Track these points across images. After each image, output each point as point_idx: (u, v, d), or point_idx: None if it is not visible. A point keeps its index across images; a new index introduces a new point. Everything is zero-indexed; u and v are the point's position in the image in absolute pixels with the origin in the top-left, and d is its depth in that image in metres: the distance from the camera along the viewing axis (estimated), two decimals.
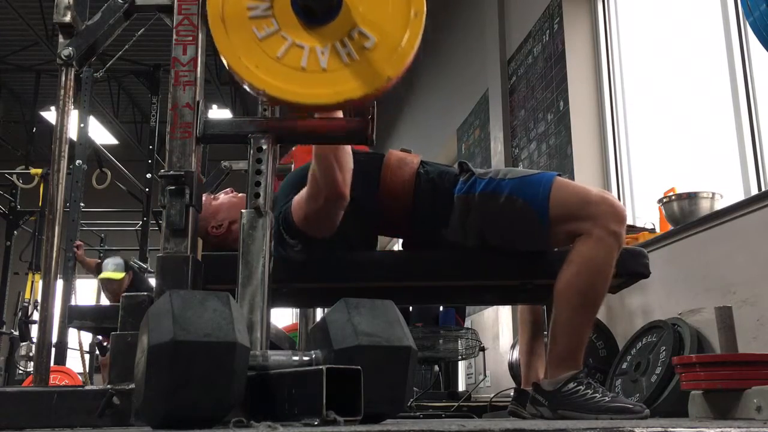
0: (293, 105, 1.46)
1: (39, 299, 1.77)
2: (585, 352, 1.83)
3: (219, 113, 10.85)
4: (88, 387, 1.43)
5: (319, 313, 3.26)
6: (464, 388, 5.40)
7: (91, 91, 5.38)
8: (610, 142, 4.37)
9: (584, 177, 4.26)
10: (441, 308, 3.95)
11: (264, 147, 1.51)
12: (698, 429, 1.13)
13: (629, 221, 3.69)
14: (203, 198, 2.05)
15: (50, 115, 10.28)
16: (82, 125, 5.21)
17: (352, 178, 1.84)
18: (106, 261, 5.73)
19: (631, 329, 3.27)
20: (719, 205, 3.04)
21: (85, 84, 5.28)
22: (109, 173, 6.54)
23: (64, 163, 1.71)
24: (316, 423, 1.11)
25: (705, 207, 3.06)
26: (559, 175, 1.90)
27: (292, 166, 2.60)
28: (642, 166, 4.16)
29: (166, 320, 1.14)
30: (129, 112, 11.79)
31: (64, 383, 4.34)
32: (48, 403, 1.35)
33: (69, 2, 1.69)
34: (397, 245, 5.56)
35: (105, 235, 8.68)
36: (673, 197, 3.15)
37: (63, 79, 1.72)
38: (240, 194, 2.18)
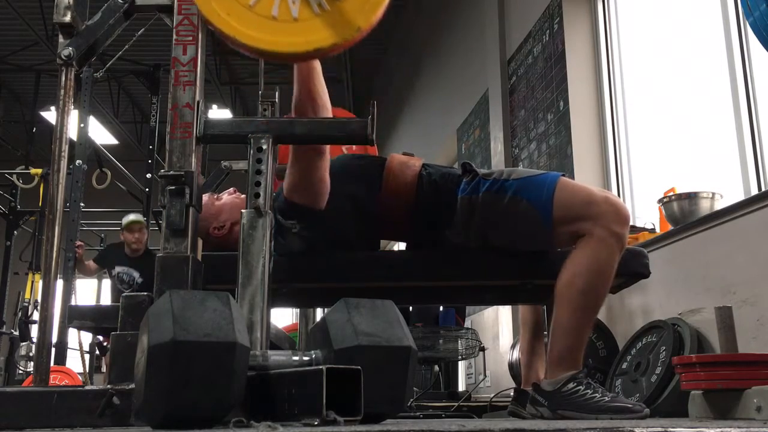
0: (263, 53, 1.47)
1: (39, 299, 1.77)
2: (585, 352, 1.83)
3: (219, 113, 10.86)
4: (88, 387, 1.43)
5: (319, 313, 3.26)
6: (464, 388, 5.40)
7: (91, 91, 5.38)
8: (610, 142, 4.37)
9: (584, 177, 4.26)
10: (441, 308, 3.95)
11: (264, 147, 1.52)
12: (698, 429, 1.13)
13: None
14: (206, 198, 2.06)
15: (50, 115, 10.28)
16: (82, 125, 5.21)
17: (353, 181, 1.85)
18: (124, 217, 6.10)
19: (631, 329, 3.27)
20: (719, 205, 3.04)
21: (85, 84, 5.28)
22: (109, 173, 6.54)
23: (64, 163, 1.71)
24: (316, 423, 1.11)
25: (705, 207, 3.06)
26: (563, 175, 1.90)
27: None
28: (642, 166, 4.16)
29: (166, 320, 1.14)
30: (129, 112, 11.80)
31: (64, 383, 4.34)
32: (48, 403, 1.35)
33: (69, 2, 1.69)
34: (397, 245, 5.55)
35: (105, 235, 8.67)
36: (673, 197, 3.15)
37: (63, 79, 1.72)
38: (243, 195, 2.19)
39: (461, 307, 4.17)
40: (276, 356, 1.34)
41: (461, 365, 5.28)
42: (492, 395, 3.45)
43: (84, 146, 5.17)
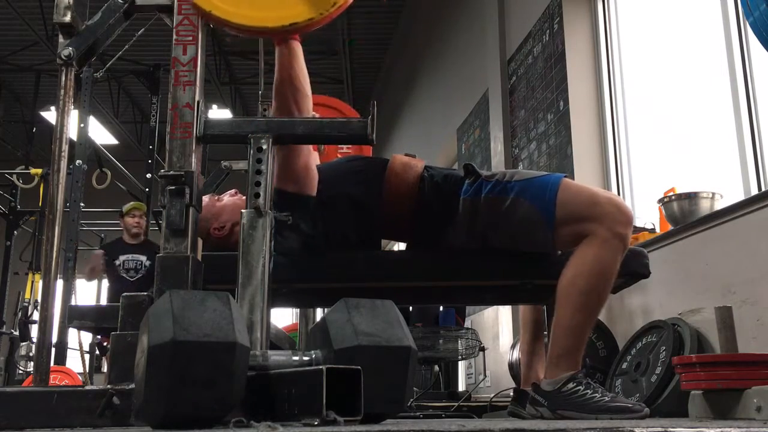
0: (239, 28, 1.48)
1: (39, 299, 1.77)
2: (584, 353, 1.83)
3: (219, 113, 10.86)
4: (88, 387, 1.43)
5: (319, 313, 3.26)
6: (464, 388, 5.40)
7: (91, 91, 5.38)
8: (610, 142, 4.37)
9: (584, 177, 4.26)
10: (441, 308, 3.94)
11: (264, 147, 1.52)
12: (698, 429, 1.13)
13: None
14: (207, 199, 2.06)
15: (50, 115, 10.29)
16: (82, 125, 5.21)
17: (355, 181, 1.84)
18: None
19: (631, 329, 3.27)
20: (719, 205, 3.04)
21: (85, 84, 5.28)
22: (109, 173, 6.53)
23: (64, 163, 1.71)
24: (316, 423, 1.11)
25: (705, 207, 3.06)
26: (565, 176, 1.90)
27: None
28: (642, 166, 4.16)
29: (166, 320, 1.14)
30: (129, 112, 11.80)
31: (64, 383, 4.34)
32: (48, 403, 1.35)
33: (69, 2, 1.69)
34: (397, 245, 5.55)
35: (105, 235, 8.67)
36: (673, 197, 3.15)
37: (63, 79, 1.72)
38: (244, 196, 2.19)
39: (461, 307, 4.17)
40: (276, 356, 1.34)
41: (461, 365, 5.28)
42: (492, 395, 3.44)
43: (84, 146, 5.17)
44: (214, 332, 1.15)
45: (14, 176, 6.78)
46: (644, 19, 4.26)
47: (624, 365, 2.98)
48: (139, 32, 5.04)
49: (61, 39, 1.71)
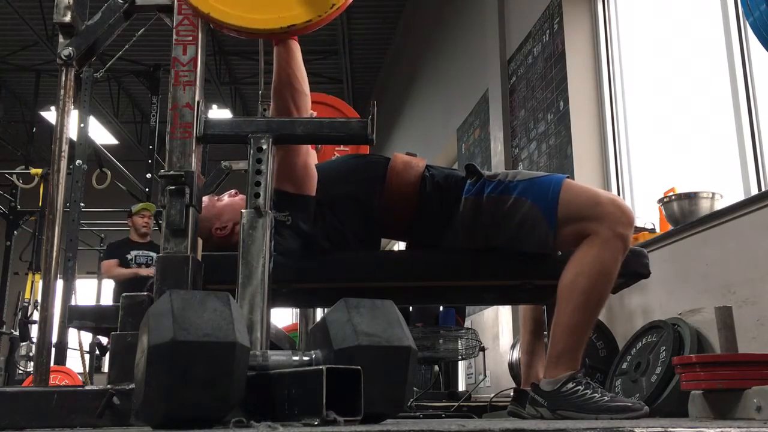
0: (238, 29, 1.48)
1: (39, 299, 1.77)
2: (584, 352, 1.83)
3: (219, 113, 10.86)
4: (88, 387, 1.43)
5: (319, 313, 3.26)
6: (464, 388, 5.40)
7: (91, 91, 5.37)
8: (610, 142, 4.37)
9: (584, 177, 4.26)
10: (441, 308, 3.94)
11: (264, 147, 1.52)
12: (698, 429, 1.13)
13: None
14: (207, 199, 2.06)
15: (50, 115, 10.29)
16: (82, 125, 5.20)
17: (356, 180, 1.84)
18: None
19: (631, 329, 3.27)
20: (719, 205, 3.04)
21: (85, 84, 5.27)
22: (109, 173, 6.53)
23: (64, 163, 1.71)
24: (316, 423, 1.11)
25: (705, 207, 3.06)
26: (567, 177, 1.91)
27: None
28: (642, 166, 4.16)
29: (166, 320, 1.14)
30: (129, 112, 11.80)
31: (64, 383, 4.34)
32: (48, 403, 1.35)
33: (69, 2, 1.69)
34: (398, 245, 5.55)
35: (105, 235, 8.67)
36: (673, 197, 3.15)
37: (63, 79, 1.72)
38: (244, 196, 2.19)
39: (461, 307, 4.17)
40: (276, 356, 1.34)
41: (461, 365, 5.28)
42: (492, 395, 3.44)
43: (84, 146, 5.16)
44: (214, 332, 1.15)
45: (14, 176, 6.78)
46: (644, 19, 4.26)
47: (624, 365, 2.98)
48: (139, 32, 5.04)
49: (61, 39, 1.72)
